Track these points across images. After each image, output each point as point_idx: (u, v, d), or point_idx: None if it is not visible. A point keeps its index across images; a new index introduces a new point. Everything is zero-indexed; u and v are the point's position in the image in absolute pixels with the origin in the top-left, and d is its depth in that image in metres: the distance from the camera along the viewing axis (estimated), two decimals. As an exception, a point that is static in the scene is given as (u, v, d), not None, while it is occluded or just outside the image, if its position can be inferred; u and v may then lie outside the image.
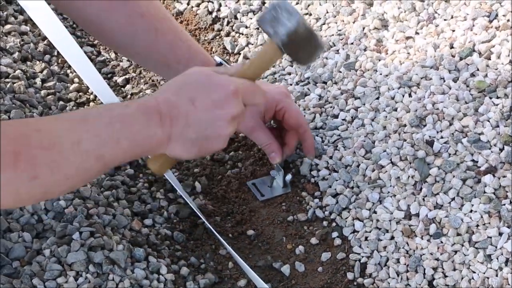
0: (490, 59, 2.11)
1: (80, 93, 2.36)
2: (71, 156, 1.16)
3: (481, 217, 1.86)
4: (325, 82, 2.29)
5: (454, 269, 1.84)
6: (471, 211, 1.88)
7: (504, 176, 1.88)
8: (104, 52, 2.59)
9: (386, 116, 2.11)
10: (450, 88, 2.09)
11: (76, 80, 2.40)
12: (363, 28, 2.37)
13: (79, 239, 1.80)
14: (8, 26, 2.46)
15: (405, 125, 2.05)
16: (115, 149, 1.22)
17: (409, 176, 1.97)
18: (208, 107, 1.34)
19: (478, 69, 2.10)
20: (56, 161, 1.14)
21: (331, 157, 2.11)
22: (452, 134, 1.99)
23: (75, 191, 1.92)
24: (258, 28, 2.56)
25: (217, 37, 2.62)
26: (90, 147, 1.19)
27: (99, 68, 2.49)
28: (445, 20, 2.29)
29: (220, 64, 2.00)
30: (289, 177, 2.08)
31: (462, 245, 1.86)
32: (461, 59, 2.14)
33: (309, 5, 2.53)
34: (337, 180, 2.06)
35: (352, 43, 2.35)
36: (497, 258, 1.81)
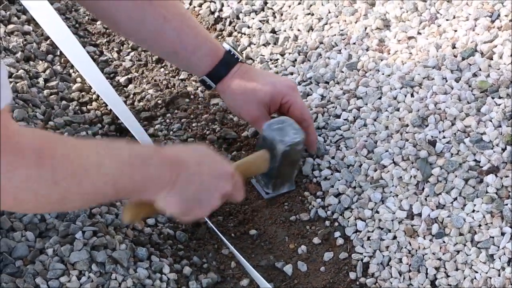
0: (492, 59, 2.12)
1: (83, 93, 2.36)
2: (91, 174, 1.19)
3: (484, 217, 1.87)
4: (327, 82, 2.29)
5: (457, 269, 1.85)
6: (473, 211, 1.89)
7: (506, 176, 1.89)
8: (107, 52, 2.59)
9: (388, 116, 2.11)
10: (452, 88, 2.09)
11: (78, 79, 2.40)
12: (365, 28, 2.37)
13: (82, 238, 1.80)
14: (11, 26, 2.46)
15: (407, 125, 2.05)
16: (129, 183, 1.27)
17: (411, 176, 1.97)
18: (210, 175, 1.44)
19: (480, 69, 2.10)
20: (77, 174, 1.15)
21: (333, 157, 2.11)
22: (455, 134, 1.99)
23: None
24: (260, 28, 2.57)
25: (219, 37, 2.62)
26: (109, 172, 1.22)
27: (102, 68, 2.49)
28: (447, 20, 2.29)
29: (229, 52, 2.01)
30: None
31: (465, 245, 1.86)
32: (463, 59, 2.14)
33: (311, 5, 2.53)
34: (339, 180, 2.06)
35: (354, 43, 2.35)
36: (500, 258, 1.81)
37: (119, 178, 1.24)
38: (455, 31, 2.25)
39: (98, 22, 2.71)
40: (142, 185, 1.29)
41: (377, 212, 1.97)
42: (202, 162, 1.42)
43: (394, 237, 1.93)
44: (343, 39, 2.38)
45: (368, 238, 1.95)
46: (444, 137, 2.00)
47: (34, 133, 1.13)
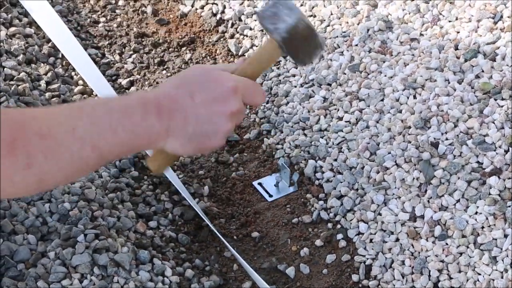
0: (495, 60, 2.11)
1: (85, 95, 2.36)
2: (66, 143, 1.13)
3: (486, 219, 1.86)
4: (329, 84, 2.29)
5: (459, 271, 1.84)
6: (476, 212, 1.88)
7: (509, 178, 1.88)
8: (109, 54, 2.59)
9: (391, 118, 2.11)
10: (455, 90, 2.08)
11: (80, 82, 2.40)
12: (368, 30, 2.37)
13: (83, 241, 1.80)
14: (12, 29, 2.46)
15: (409, 127, 2.05)
16: (112, 139, 1.20)
17: (414, 178, 1.96)
18: (207, 103, 1.31)
19: (483, 71, 2.10)
20: (51, 148, 1.11)
21: (335, 159, 2.11)
22: (457, 135, 1.99)
23: (80, 193, 1.93)
24: (262, 30, 2.56)
25: (222, 39, 2.62)
26: (86, 135, 1.16)
27: (104, 71, 2.49)
28: (449, 21, 2.29)
29: None
30: (295, 176, 2.09)
31: (467, 247, 1.85)
32: (466, 60, 2.14)
33: (313, 7, 2.52)
34: (341, 182, 2.06)
35: (356, 45, 2.34)
36: (503, 260, 1.81)
37: (99, 139, 1.17)
38: (458, 32, 2.24)
39: (100, 25, 2.71)
40: (131, 140, 1.22)
41: (380, 214, 1.97)
42: (194, 90, 1.30)
43: (397, 239, 1.93)
44: (345, 41, 2.38)
45: (371, 240, 1.95)
46: (446, 139, 1.99)
47: (6, 120, 1.10)
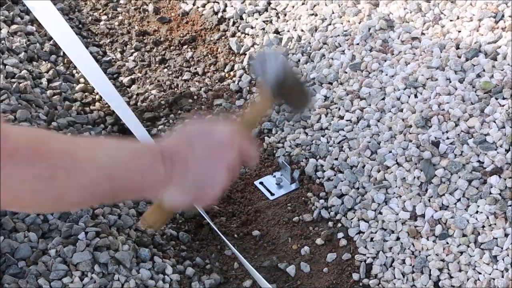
0: (496, 60, 2.11)
1: (86, 93, 2.36)
2: (86, 167, 1.17)
3: (487, 218, 1.86)
4: (330, 83, 2.29)
5: (460, 270, 1.84)
6: (476, 212, 1.88)
7: (510, 177, 1.88)
8: (110, 52, 2.59)
9: (392, 117, 2.11)
10: (456, 89, 2.08)
11: (82, 80, 2.40)
12: (369, 29, 2.37)
13: (84, 239, 1.80)
14: (14, 26, 2.46)
15: (410, 126, 2.05)
16: (125, 175, 1.25)
17: (414, 177, 1.96)
18: (204, 153, 1.36)
19: (484, 70, 2.10)
20: (72, 168, 1.15)
21: (336, 158, 2.11)
22: (458, 135, 1.98)
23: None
24: (263, 29, 2.56)
25: (223, 37, 2.62)
26: (103, 165, 1.21)
27: (105, 69, 2.49)
28: (451, 20, 2.29)
29: None
30: (296, 173, 2.09)
31: (468, 246, 1.85)
32: (467, 59, 2.13)
33: (314, 6, 2.52)
34: (342, 181, 2.06)
35: (357, 44, 2.34)
36: (503, 259, 1.81)
37: (114, 171, 1.22)
38: (459, 31, 2.24)
39: (102, 23, 2.72)
40: (138, 180, 1.28)
41: (380, 213, 1.97)
42: (192, 141, 1.37)
43: (397, 238, 1.93)
44: (347, 40, 2.38)
45: (371, 239, 1.95)
46: (447, 138, 1.99)
47: (27, 133, 1.13)
